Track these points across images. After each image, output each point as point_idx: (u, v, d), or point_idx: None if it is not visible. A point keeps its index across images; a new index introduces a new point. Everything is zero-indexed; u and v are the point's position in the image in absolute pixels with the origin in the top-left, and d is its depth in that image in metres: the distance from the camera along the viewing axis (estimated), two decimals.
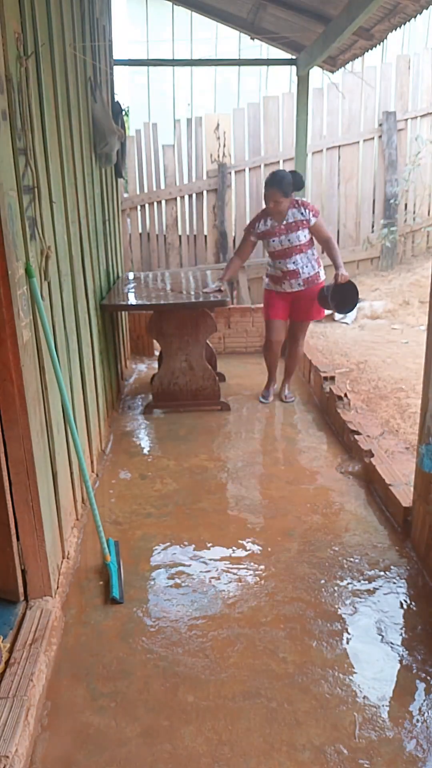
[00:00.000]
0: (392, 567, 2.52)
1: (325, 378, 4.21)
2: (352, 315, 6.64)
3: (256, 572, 2.50)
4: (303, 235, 3.99)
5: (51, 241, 2.43)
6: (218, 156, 7.17)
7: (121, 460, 3.54)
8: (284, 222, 3.97)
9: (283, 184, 3.83)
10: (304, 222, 3.96)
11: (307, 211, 3.96)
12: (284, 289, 4.15)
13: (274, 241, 4.02)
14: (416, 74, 7.17)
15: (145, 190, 7.10)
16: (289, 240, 3.99)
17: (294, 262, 4.03)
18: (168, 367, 4.14)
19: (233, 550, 2.66)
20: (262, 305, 4.56)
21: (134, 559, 2.61)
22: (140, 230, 7.26)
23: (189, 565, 2.56)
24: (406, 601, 2.32)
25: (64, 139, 2.72)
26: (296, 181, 3.94)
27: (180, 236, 7.33)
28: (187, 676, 1.99)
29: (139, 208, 7.16)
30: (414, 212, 7.50)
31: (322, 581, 2.44)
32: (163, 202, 7.18)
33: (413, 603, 2.32)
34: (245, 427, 3.96)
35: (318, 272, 4.12)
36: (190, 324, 4.03)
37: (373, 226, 7.47)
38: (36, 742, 1.78)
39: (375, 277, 7.34)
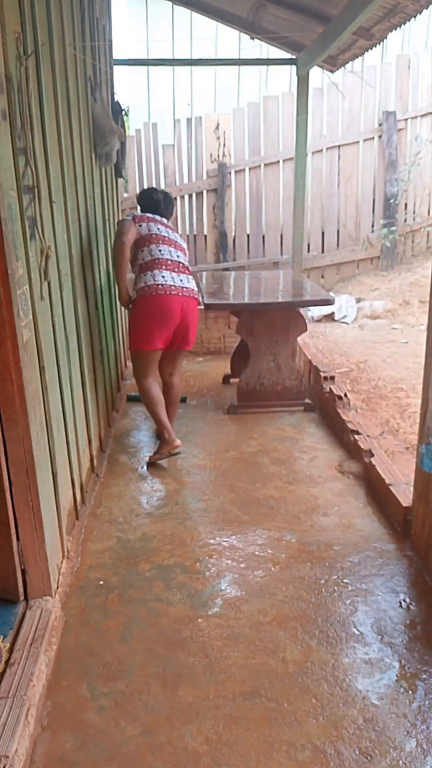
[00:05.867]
0: (392, 567, 2.52)
1: (325, 378, 4.21)
2: (352, 315, 6.65)
3: (256, 572, 2.50)
4: None
5: (51, 241, 2.43)
6: (218, 156, 7.17)
7: (121, 460, 3.54)
8: None
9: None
10: None
11: None
12: None
13: None
14: (416, 74, 7.17)
15: None
16: None
17: None
18: (255, 367, 4.14)
19: (233, 550, 2.66)
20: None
21: (134, 559, 2.61)
22: None
23: (189, 565, 2.56)
24: (405, 601, 2.33)
25: (64, 139, 2.72)
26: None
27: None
28: (187, 676, 1.99)
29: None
30: (414, 212, 7.51)
31: (322, 581, 2.44)
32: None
33: (413, 603, 2.32)
34: (245, 427, 3.96)
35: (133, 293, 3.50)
36: (281, 324, 4.05)
37: (373, 226, 7.47)
38: (36, 742, 1.78)
39: (375, 277, 7.34)
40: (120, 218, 4.03)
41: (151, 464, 3.47)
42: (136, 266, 3.47)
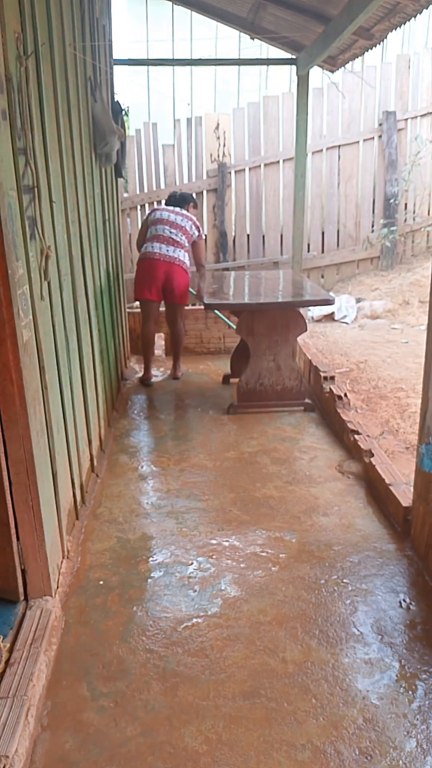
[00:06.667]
0: (392, 567, 2.53)
1: (325, 378, 4.21)
2: (352, 315, 6.65)
3: (256, 572, 2.50)
4: None
5: (51, 240, 2.43)
6: (218, 156, 7.17)
7: (121, 460, 3.54)
8: None
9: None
10: None
11: None
12: None
13: None
14: (416, 74, 7.17)
15: (145, 190, 7.10)
16: None
17: None
18: (255, 367, 4.15)
19: (233, 550, 2.66)
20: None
21: (134, 559, 2.61)
22: None
23: (189, 564, 2.56)
24: (405, 601, 2.33)
25: (64, 139, 2.72)
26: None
27: None
28: (187, 676, 2.00)
29: (139, 208, 7.16)
30: (414, 212, 7.51)
31: (322, 581, 2.44)
32: (163, 202, 7.17)
33: (413, 603, 2.32)
34: (245, 427, 3.96)
35: None
36: (281, 324, 4.05)
37: (373, 226, 7.47)
38: (36, 741, 1.78)
39: (375, 277, 7.34)
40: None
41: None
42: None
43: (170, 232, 4.54)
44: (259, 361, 4.13)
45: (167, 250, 4.49)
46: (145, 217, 4.77)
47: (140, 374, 4.99)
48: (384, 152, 7.24)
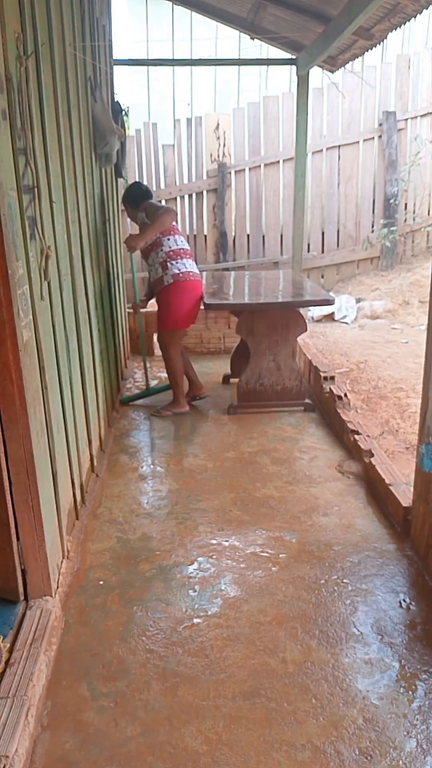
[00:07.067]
0: (392, 567, 2.53)
1: (325, 378, 4.21)
2: (352, 315, 6.65)
3: (256, 572, 2.50)
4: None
5: (51, 241, 2.43)
6: (218, 156, 7.17)
7: (121, 460, 3.54)
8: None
9: (128, 200, 4.08)
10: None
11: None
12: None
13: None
14: (416, 74, 7.17)
15: None
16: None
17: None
18: (255, 367, 4.15)
19: (233, 550, 2.66)
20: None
21: (134, 559, 2.61)
22: None
23: (189, 565, 2.56)
24: (405, 601, 2.33)
25: (64, 139, 2.72)
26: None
27: None
28: (187, 676, 2.00)
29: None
30: (414, 212, 7.51)
31: (322, 581, 2.44)
32: (163, 201, 7.18)
33: (413, 603, 2.32)
34: (245, 427, 3.96)
35: (161, 276, 3.93)
36: (281, 324, 4.05)
37: (373, 226, 7.47)
38: (36, 741, 1.78)
39: (375, 277, 7.34)
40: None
41: (165, 413, 4.16)
42: (162, 252, 3.93)
43: (188, 246, 4.09)
44: (259, 361, 4.13)
45: (195, 268, 4.03)
46: (163, 209, 3.91)
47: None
48: (384, 152, 7.24)
